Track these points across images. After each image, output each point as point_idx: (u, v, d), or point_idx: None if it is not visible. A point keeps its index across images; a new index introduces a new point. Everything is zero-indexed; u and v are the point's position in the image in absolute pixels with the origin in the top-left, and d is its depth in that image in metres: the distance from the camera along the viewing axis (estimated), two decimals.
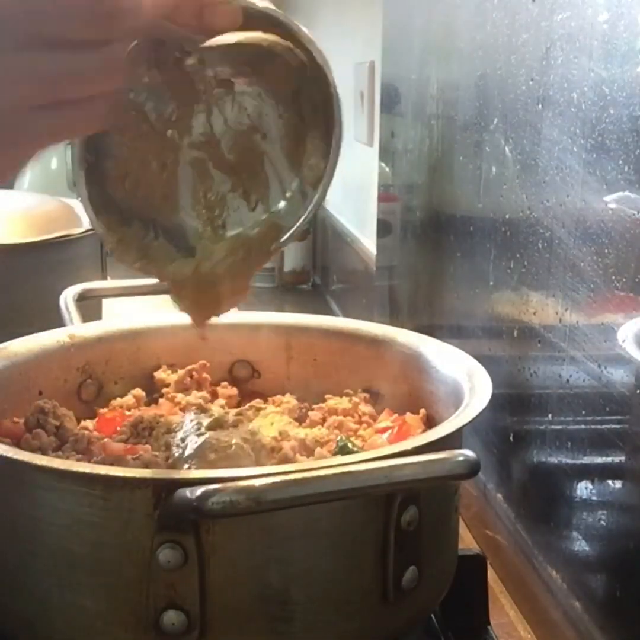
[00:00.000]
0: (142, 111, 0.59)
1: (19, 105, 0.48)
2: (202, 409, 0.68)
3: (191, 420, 0.64)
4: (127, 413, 0.73)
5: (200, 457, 0.60)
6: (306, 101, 0.61)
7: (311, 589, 0.54)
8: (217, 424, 0.63)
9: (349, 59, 1.56)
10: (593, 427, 0.67)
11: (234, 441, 0.60)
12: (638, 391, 0.60)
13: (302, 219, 0.62)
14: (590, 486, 0.68)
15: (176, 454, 0.61)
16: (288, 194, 0.63)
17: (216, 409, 0.71)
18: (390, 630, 0.57)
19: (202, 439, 0.60)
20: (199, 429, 0.62)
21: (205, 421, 0.63)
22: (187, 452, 0.60)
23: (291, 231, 0.63)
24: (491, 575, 0.77)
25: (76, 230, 1.15)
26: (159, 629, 0.52)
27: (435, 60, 1.08)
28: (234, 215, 0.63)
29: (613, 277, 0.63)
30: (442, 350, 0.71)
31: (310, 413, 0.74)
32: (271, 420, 0.72)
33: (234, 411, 0.70)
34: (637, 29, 0.60)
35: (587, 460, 0.69)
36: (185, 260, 0.62)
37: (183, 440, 0.62)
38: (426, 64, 1.11)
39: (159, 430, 0.66)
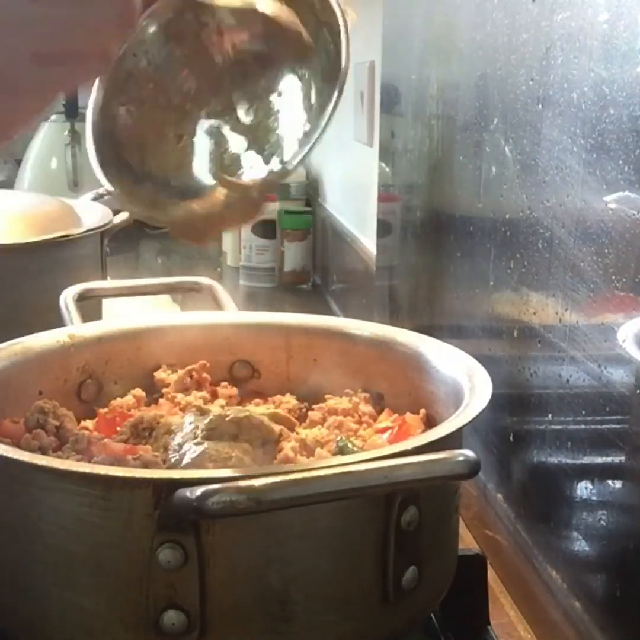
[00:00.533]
0: (159, 84, 0.59)
1: (27, 55, 0.48)
2: (201, 411, 0.67)
3: (190, 423, 0.64)
4: (127, 413, 0.73)
5: (198, 466, 0.59)
6: (319, 47, 0.61)
7: (311, 589, 0.54)
8: (216, 425, 0.62)
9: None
10: (593, 427, 0.67)
11: (234, 453, 0.59)
12: (638, 391, 0.60)
13: (304, 152, 0.62)
14: (590, 486, 0.68)
15: (172, 460, 0.60)
16: (301, 140, 0.63)
17: (215, 409, 0.71)
18: (390, 630, 0.57)
19: (200, 448, 0.60)
20: (197, 435, 0.62)
21: (202, 424, 0.62)
22: (184, 461, 0.59)
23: (296, 162, 0.62)
24: (491, 575, 0.77)
25: (76, 230, 1.15)
26: (159, 629, 0.52)
27: (435, 60, 1.08)
28: (249, 171, 0.63)
29: (613, 277, 0.63)
30: (442, 350, 0.71)
31: (310, 413, 0.74)
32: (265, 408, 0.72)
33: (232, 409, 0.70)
34: (637, 29, 0.60)
35: (587, 460, 0.69)
36: (192, 202, 0.62)
37: (180, 446, 0.61)
38: (426, 64, 1.11)
39: (159, 430, 0.66)
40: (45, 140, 2.29)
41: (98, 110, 0.58)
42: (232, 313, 0.85)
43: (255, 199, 0.62)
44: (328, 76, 0.61)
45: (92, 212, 1.24)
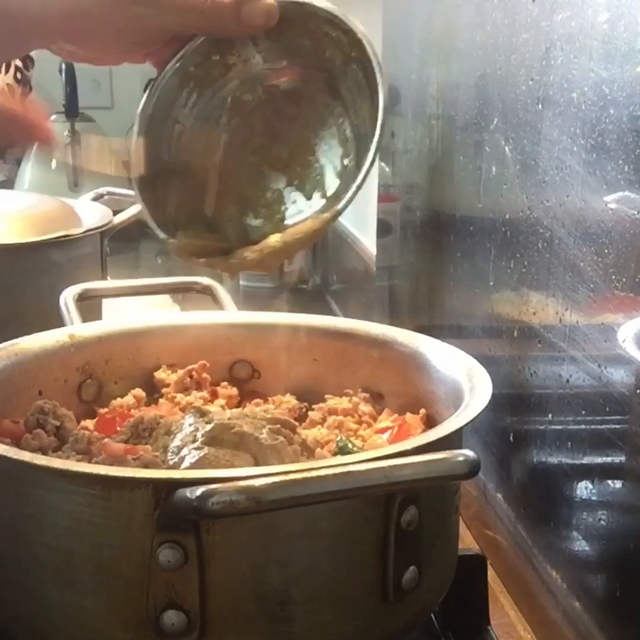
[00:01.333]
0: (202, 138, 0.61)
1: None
2: (201, 412, 0.67)
3: (190, 425, 0.64)
4: (127, 413, 0.73)
5: None
6: (349, 82, 0.62)
7: (311, 589, 0.54)
8: (218, 434, 0.61)
9: None
10: (593, 427, 0.67)
11: (236, 463, 0.59)
12: (638, 391, 0.60)
13: (356, 184, 0.62)
14: (590, 486, 0.68)
15: (171, 462, 0.60)
16: (340, 173, 0.63)
17: (215, 409, 0.71)
18: (390, 630, 0.57)
19: (200, 453, 0.59)
20: (196, 439, 0.61)
21: (203, 429, 0.62)
22: (183, 465, 0.59)
23: (347, 199, 0.63)
24: (491, 575, 0.77)
25: (76, 230, 1.15)
26: (159, 629, 0.52)
27: (435, 60, 1.08)
28: (293, 207, 0.64)
29: (613, 277, 0.63)
30: (442, 350, 0.71)
31: (310, 413, 0.74)
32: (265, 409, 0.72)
33: (232, 411, 0.70)
34: (637, 29, 0.60)
35: (587, 460, 0.69)
36: (247, 249, 0.63)
37: (179, 448, 0.61)
38: (426, 64, 1.11)
39: (159, 431, 0.65)
40: None
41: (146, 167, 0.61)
42: (232, 313, 0.85)
43: (308, 241, 0.63)
44: (364, 109, 0.62)
45: (92, 212, 1.24)
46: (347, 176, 0.63)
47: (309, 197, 0.64)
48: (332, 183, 0.64)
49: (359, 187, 0.61)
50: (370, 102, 0.61)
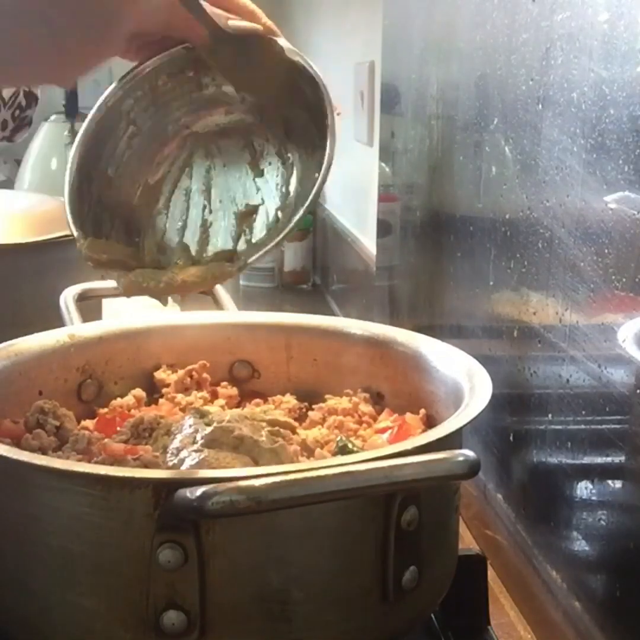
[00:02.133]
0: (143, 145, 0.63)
1: None
2: (200, 414, 0.67)
3: (190, 426, 0.64)
4: (127, 413, 0.73)
5: None
6: (303, 137, 0.63)
7: (311, 589, 0.54)
8: (218, 437, 0.61)
9: (349, 59, 1.56)
10: (593, 427, 0.67)
11: (236, 465, 0.59)
12: (638, 391, 0.60)
13: (270, 245, 0.63)
14: (590, 486, 0.68)
15: (170, 463, 0.60)
16: (269, 224, 0.64)
17: (215, 409, 0.71)
18: (390, 630, 0.57)
19: (200, 455, 0.59)
20: (196, 440, 0.61)
21: (203, 431, 0.62)
22: (183, 468, 0.59)
23: (256, 256, 0.63)
24: (491, 575, 0.77)
25: None
26: (159, 629, 0.52)
27: (435, 60, 1.08)
28: (213, 242, 0.65)
29: (613, 277, 0.63)
30: (442, 350, 0.71)
31: (310, 413, 0.74)
32: (264, 409, 0.72)
33: (232, 412, 0.70)
34: (637, 29, 0.60)
35: (587, 460, 0.69)
36: (159, 272, 0.64)
37: (178, 450, 0.61)
38: (426, 64, 1.11)
39: (159, 431, 0.66)
40: (45, 140, 2.29)
41: (77, 170, 0.61)
42: (232, 313, 0.85)
43: (227, 274, 0.63)
44: (311, 169, 0.62)
45: None
46: (275, 230, 0.63)
47: (235, 238, 0.64)
48: (259, 232, 0.65)
49: (267, 251, 0.61)
50: (318, 164, 0.62)
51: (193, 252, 0.66)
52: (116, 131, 0.63)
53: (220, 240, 0.65)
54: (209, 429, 0.61)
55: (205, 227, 0.65)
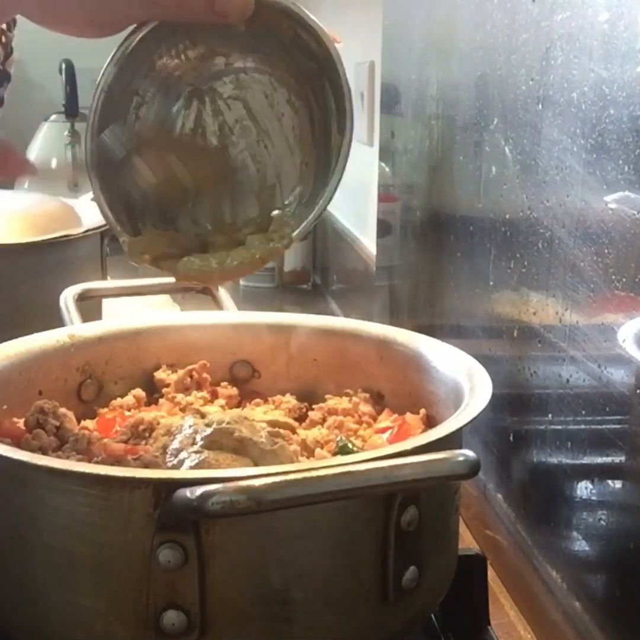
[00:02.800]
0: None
1: None
2: (200, 415, 0.67)
3: (189, 427, 0.64)
4: (127, 413, 0.73)
5: None
6: (316, 94, 0.61)
7: (311, 589, 0.54)
8: (218, 438, 0.61)
9: (349, 59, 1.56)
10: (593, 427, 0.67)
11: (236, 466, 0.59)
12: (638, 391, 0.60)
13: (311, 216, 0.63)
14: (590, 486, 0.68)
15: (169, 464, 0.60)
16: (297, 196, 0.63)
17: (215, 410, 0.71)
18: (390, 630, 0.57)
19: (200, 456, 0.59)
20: (195, 441, 0.61)
21: (203, 433, 0.62)
22: (183, 469, 0.59)
23: (300, 229, 0.63)
24: (491, 575, 0.77)
25: (76, 230, 1.15)
26: (159, 629, 0.52)
27: (435, 60, 1.08)
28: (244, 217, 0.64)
29: (613, 277, 0.63)
30: (442, 350, 0.71)
31: (310, 413, 0.74)
32: (264, 410, 0.72)
33: (232, 412, 0.70)
34: (637, 29, 0.60)
35: (587, 460, 0.69)
36: (207, 256, 0.63)
37: (178, 451, 0.61)
38: (426, 64, 1.11)
39: (159, 431, 0.65)
40: (45, 140, 2.29)
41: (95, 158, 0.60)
42: (232, 313, 0.85)
43: (274, 252, 0.63)
44: (335, 128, 0.61)
45: (92, 212, 1.24)
46: (310, 196, 0.63)
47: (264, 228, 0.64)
48: (288, 197, 0.64)
49: (313, 220, 0.62)
50: (336, 131, 0.61)
51: (227, 221, 0.64)
52: (122, 107, 0.61)
53: (248, 208, 0.64)
54: (208, 431, 0.61)
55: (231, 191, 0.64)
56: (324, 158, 0.63)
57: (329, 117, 0.62)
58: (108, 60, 0.58)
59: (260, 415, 0.70)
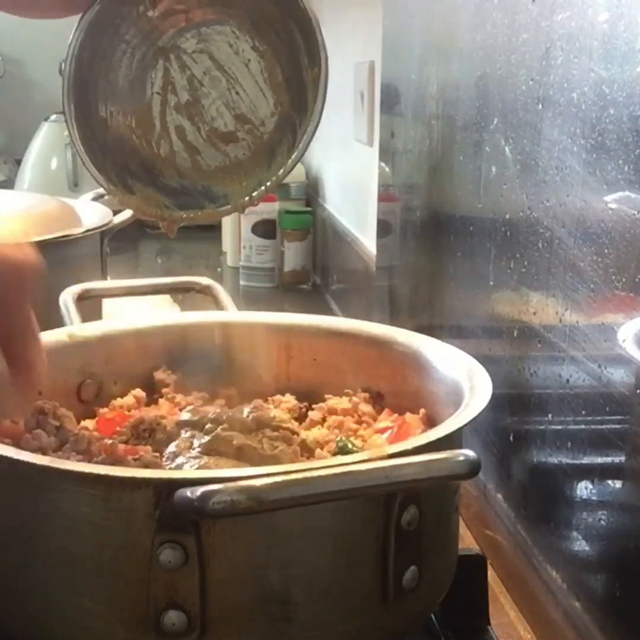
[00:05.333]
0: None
1: None
2: (194, 426, 0.67)
3: (185, 432, 0.63)
4: (127, 413, 0.73)
5: None
6: (280, 35, 0.63)
7: (311, 589, 0.54)
8: (217, 446, 0.61)
9: (349, 59, 1.56)
10: (593, 427, 0.67)
11: None
12: (638, 391, 0.60)
13: (294, 154, 0.64)
14: (590, 486, 0.68)
15: (167, 468, 0.60)
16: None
17: (210, 420, 0.71)
18: (390, 630, 0.57)
19: (200, 461, 0.59)
20: (192, 445, 0.61)
21: (201, 440, 0.62)
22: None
23: (286, 166, 0.65)
24: (491, 575, 0.77)
25: (76, 230, 1.15)
26: (160, 629, 0.52)
27: (435, 60, 1.08)
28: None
29: (613, 277, 0.63)
30: (442, 350, 0.71)
31: (310, 413, 0.74)
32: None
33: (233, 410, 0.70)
34: (637, 29, 0.60)
35: (587, 460, 0.69)
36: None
37: (175, 455, 0.61)
38: (426, 64, 1.11)
39: (159, 432, 0.65)
40: (45, 140, 2.29)
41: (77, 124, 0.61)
42: (232, 313, 0.85)
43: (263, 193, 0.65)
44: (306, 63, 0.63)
45: (92, 212, 1.24)
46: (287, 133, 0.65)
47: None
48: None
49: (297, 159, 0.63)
50: (307, 65, 0.62)
51: (206, 168, 0.66)
52: (93, 74, 0.62)
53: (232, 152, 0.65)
54: (207, 438, 0.61)
55: (208, 140, 0.65)
56: (298, 96, 0.64)
57: (297, 54, 0.63)
58: (74, 28, 0.59)
59: (266, 416, 0.69)
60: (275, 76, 0.64)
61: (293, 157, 0.65)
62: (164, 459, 0.61)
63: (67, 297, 0.85)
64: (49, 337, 0.73)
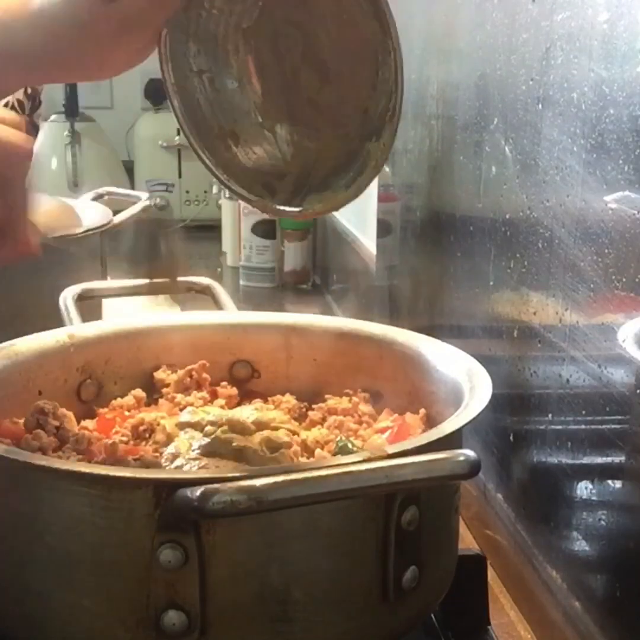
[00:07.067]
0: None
1: None
2: (194, 427, 0.67)
3: (185, 433, 0.63)
4: (127, 413, 0.73)
5: None
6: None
7: (311, 589, 0.54)
8: (216, 448, 0.61)
9: None
10: (593, 427, 0.67)
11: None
12: (638, 391, 0.60)
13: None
14: (590, 486, 0.68)
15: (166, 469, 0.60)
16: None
17: (214, 410, 0.71)
18: (390, 630, 0.57)
19: (199, 463, 0.59)
20: (192, 448, 0.61)
21: (200, 442, 0.62)
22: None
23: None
24: (491, 575, 0.77)
25: (76, 230, 1.15)
26: (160, 629, 0.52)
27: (435, 60, 1.08)
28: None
29: (613, 277, 0.63)
30: (442, 350, 0.71)
31: (310, 413, 0.74)
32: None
33: (231, 412, 0.70)
34: (637, 29, 0.60)
35: (587, 460, 0.69)
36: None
37: (174, 456, 0.61)
38: (426, 64, 1.11)
39: (159, 432, 0.65)
40: (45, 140, 2.29)
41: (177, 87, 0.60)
42: (232, 313, 0.85)
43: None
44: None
45: (92, 212, 1.24)
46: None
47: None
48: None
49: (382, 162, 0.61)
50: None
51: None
52: (196, 94, 0.61)
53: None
54: (206, 440, 0.61)
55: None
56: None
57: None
58: (160, 65, 0.59)
59: (267, 415, 0.69)
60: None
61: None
62: (162, 459, 0.61)
63: (67, 297, 0.85)
64: (49, 337, 0.73)
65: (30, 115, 0.78)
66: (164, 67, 0.59)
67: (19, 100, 0.76)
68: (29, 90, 0.75)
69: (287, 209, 0.62)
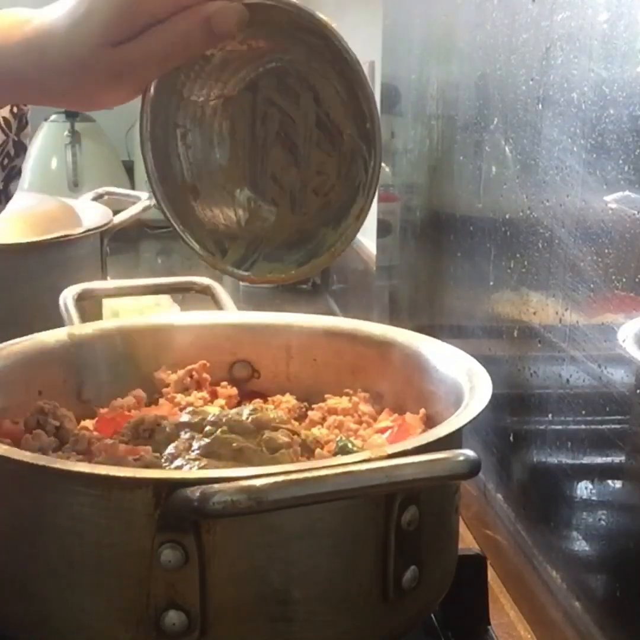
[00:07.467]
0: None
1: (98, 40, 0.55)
2: (194, 427, 0.67)
3: (185, 433, 0.63)
4: (126, 413, 0.73)
5: None
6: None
7: (311, 589, 0.54)
8: (216, 449, 0.61)
9: None
10: (593, 427, 0.67)
11: None
12: (638, 391, 0.60)
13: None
14: (590, 486, 0.68)
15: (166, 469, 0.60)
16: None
17: (214, 410, 0.71)
18: (390, 630, 0.57)
19: (199, 463, 0.59)
20: (192, 448, 0.61)
21: (200, 442, 0.62)
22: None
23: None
24: (491, 575, 0.77)
25: (76, 230, 1.15)
26: (160, 629, 0.52)
27: (435, 60, 1.08)
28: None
29: (613, 277, 0.63)
30: (442, 350, 0.71)
31: (310, 413, 0.74)
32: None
33: (233, 411, 0.70)
34: (637, 29, 0.60)
35: (587, 460, 0.69)
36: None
37: (174, 456, 0.61)
38: (426, 64, 1.11)
39: (159, 432, 0.65)
40: (45, 140, 2.29)
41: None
42: (232, 313, 0.85)
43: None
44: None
45: (92, 212, 1.25)
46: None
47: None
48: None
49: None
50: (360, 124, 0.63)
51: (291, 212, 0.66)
52: (169, 144, 0.63)
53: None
54: (206, 440, 0.61)
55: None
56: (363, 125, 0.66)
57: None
58: (140, 111, 0.61)
59: (268, 415, 0.69)
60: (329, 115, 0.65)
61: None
62: (162, 460, 0.61)
63: (67, 297, 0.85)
64: (49, 337, 0.73)
65: (17, 135, 0.78)
66: (144, 113, 0.61)
67: (4, 119, 0.75)
68: (16, 109, 0.75)
69: (236, 271, 0.65)
